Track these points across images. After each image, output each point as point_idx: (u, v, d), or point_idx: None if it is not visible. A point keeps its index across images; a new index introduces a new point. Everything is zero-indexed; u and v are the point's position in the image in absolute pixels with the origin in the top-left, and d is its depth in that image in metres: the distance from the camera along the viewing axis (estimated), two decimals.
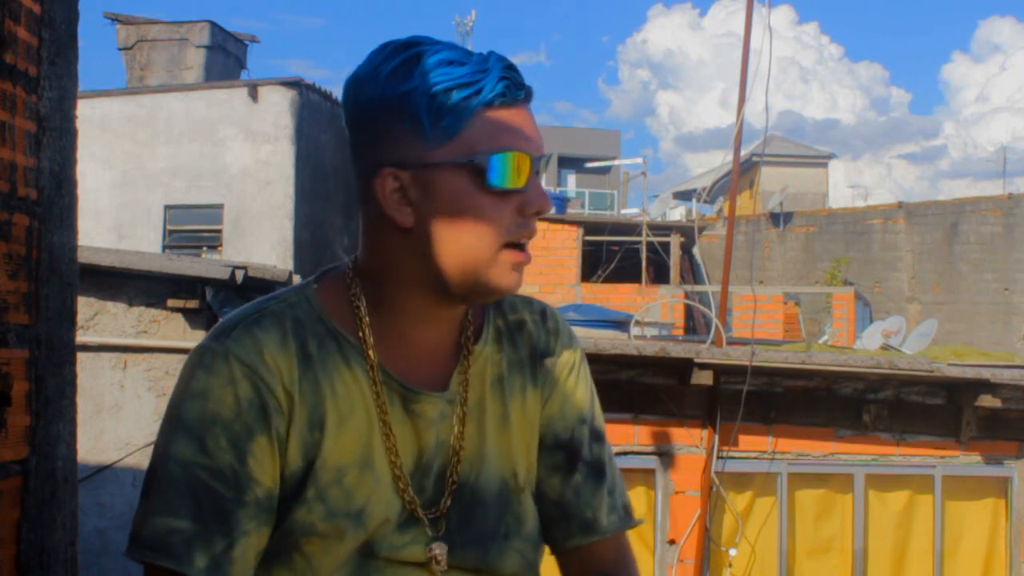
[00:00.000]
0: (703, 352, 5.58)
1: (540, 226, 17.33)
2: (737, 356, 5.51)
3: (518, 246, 1.17)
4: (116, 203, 14.83)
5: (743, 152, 7.19)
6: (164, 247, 14.59)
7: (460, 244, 1.14)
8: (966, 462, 6.01)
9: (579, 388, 1.33)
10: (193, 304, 5.59)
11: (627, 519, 1.34)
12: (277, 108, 14.68)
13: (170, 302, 5.64)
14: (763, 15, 5.81)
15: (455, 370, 1.24)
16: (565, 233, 16.90)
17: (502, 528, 1.24)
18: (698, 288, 16.78)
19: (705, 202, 23.06)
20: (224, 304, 5.50)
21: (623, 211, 24.64)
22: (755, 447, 5.86)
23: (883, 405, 5.91)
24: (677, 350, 5.71)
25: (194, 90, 15.13)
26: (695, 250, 18.11)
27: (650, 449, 5.80)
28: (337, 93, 15.29)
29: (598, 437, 1.33)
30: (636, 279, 17.15)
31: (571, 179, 35.61)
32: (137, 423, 5.76)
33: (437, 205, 1.14)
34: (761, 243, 21.41)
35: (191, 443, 1.11)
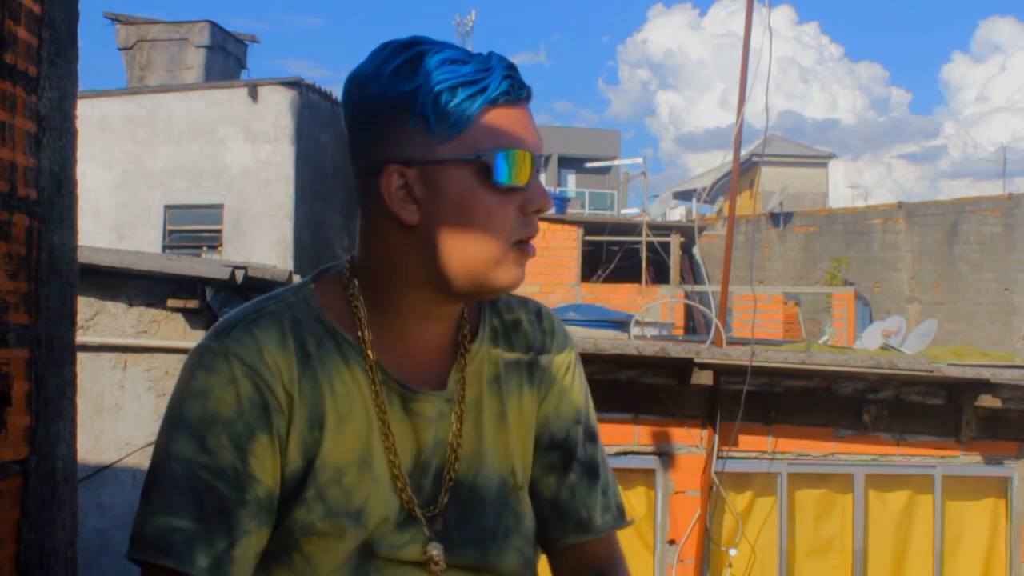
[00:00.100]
0: (703, 352, 5.58)
1: (540, 226, 17.18)
2: (737, 356, 5.51)
3: (522, 243, 1.18)
4: (116, 203, 14.84)
5: (743, 152, 7.20)
6: (164, 247, 14.59)
7: (466, 241, 1.15)
8: (966, 462, 6.01)
9: (575, 388, 1.34)
10: (193, 304, 5.59)
11: (620, 518, 1.35)
12: (277, 108, 14.68)
13: (170, 302, 5.65)
14: (763, 15, 5.81)
15: (452, 369, 1.24)
16: (565, 233, 16.90)
17: (501, 526, 1.24)
18: (698, 288, 16.79)
19: (705, 202, 23.06)
20: (224, 304, 5.50)
21: (623, 211, 24.64)
22: (755, 447, 5.86)
23: (883, 405, 5.91)
24: (677, 350, 5.71)
25: (194, 90, 15.13)
26: (695, 250, 18.12)
27: (650, 449, 5.80)
28: (337, 93, 15.30)
29: (591, 437, 1.34)
30: (636, 279, 17.15)
31: (571, 179, 35.63)
32: (137, 423, 5.76)
33: (443, 202, 1.14)
34: (761, 243, 21.41)
35: (192, 442, 1.11)
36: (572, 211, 20.62)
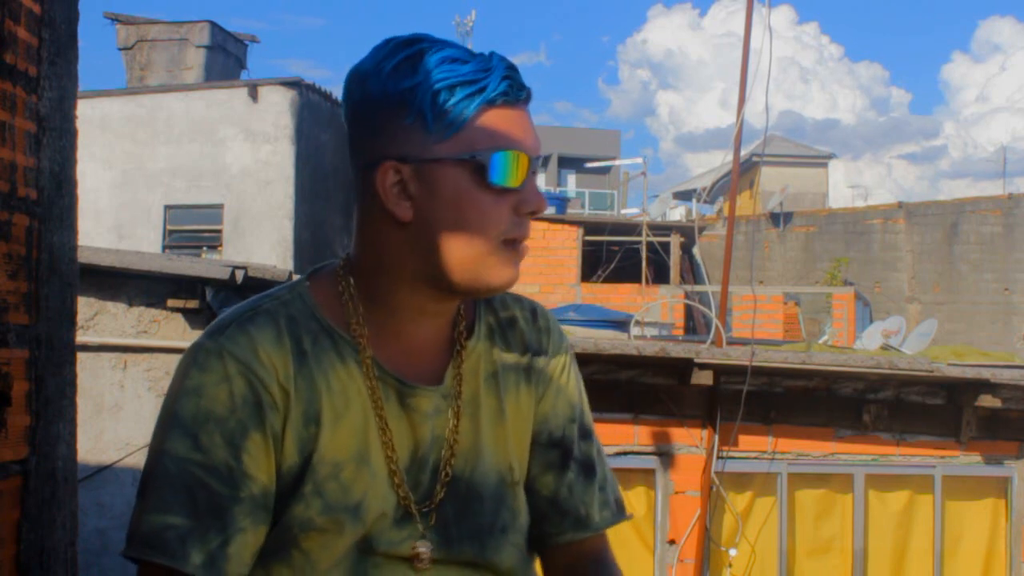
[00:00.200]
0: (703, 352, 5.58)
1: (540, 226, 17.39)
2: (737, 356, 5.51)
3: (514, 243, 1.18)
4: (116, 203, 14.84)
5: (743, 152, 7.20)
6: (164, 247, 14.59)
7: (459, 239, 1.15)
8: (966, 462, 6.01)
9: (570, 386, 1.34)
10: (193, 304, 5.59)
11: (619, 514, 1.36)
12: (277, 108, 14.69)
13: (170, 302, 5.65)
14: (763, 15, 5.82)
15: (449, 365, 1.24)
16: (565, 233, 16.89)
17: (499, 522, 1.24)
18: (698, 288, 16.79)
19: (705, 202, 23.07)
20: (224, 304, 5.50)
21: (623, 211, 24.64)
22: (755, 447, 5.86)
23: (883, 405, 5.91)
24: (677, 350, 5.71)
25: (194, 90, 15.14)
26: (695, 250, 18.12)
27: (650, 449, 5.80)
28: (337, 93, 15.30)
29: (586, 434, 1.35)
30: (636, 279, 17.14)
31: (571, 179, 35.64)
32: (137, 423, 5.76)
33: (437, 200, 1.15)
34: (761, 243, 21.41)
35: (185, 440, 1.11)
36: (572, 211, 20.63)
